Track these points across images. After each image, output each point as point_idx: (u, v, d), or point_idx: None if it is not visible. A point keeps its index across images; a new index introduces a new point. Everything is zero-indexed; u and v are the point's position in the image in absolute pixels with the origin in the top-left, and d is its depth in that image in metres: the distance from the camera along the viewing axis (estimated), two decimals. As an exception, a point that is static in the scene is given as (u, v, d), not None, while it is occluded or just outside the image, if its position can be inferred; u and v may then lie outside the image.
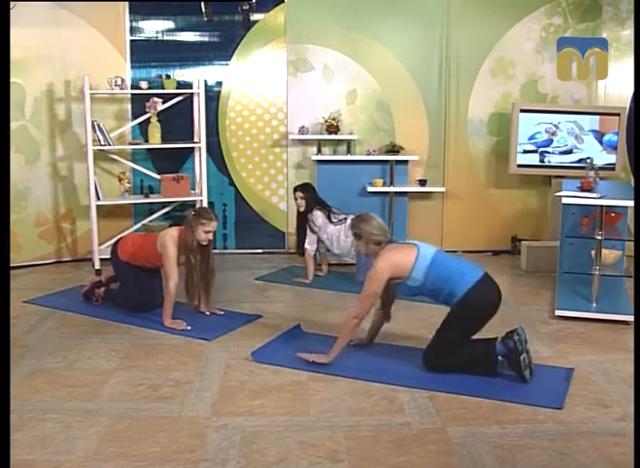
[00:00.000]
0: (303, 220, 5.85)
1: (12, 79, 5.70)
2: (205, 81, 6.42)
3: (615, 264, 5.23)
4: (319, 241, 5.80)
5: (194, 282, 4.63)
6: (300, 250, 5.93)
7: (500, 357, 3.72)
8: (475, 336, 3.84)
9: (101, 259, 6.07)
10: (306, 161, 6.77)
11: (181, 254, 4.61)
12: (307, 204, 5.79)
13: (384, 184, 6.59)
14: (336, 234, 5.71)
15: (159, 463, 2.88)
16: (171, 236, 4.61)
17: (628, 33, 6.52)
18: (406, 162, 6.69)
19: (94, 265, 6.15)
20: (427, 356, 3.83)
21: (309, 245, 5.76)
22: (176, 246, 4.59)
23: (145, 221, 6.60)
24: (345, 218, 5.76)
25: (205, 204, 6.36)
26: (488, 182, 6.92)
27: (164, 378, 3.76)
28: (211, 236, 4.61)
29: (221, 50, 6.62)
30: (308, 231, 5.76)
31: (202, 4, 6.29)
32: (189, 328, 4.52)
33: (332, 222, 5.74)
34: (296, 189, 5.93)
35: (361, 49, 6.64)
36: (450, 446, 3.03)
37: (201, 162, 6.39)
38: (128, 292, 4.92)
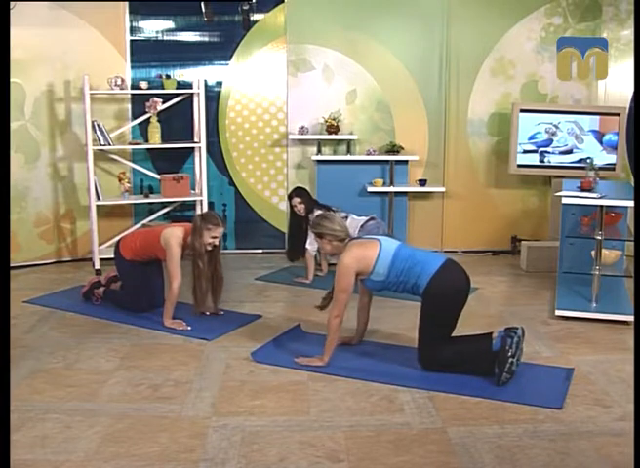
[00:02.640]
0: (299, 223, 5.84)
1: (12, 79, 5.71)
2: (205, 81, 6.42)
3: (615, 264, 5.23)
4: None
5: (203, 287, 4.62)
6: (292, 254, 5.93)
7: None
8: (472, 332, 3.86)
9: (101, 259, 6.08)
10: (306, 161, 6.77)
11: (185, 250, 4.60)
12: (307, 207, 5.79)
13: (384, 184, 6.59)
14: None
15: (159, 463, 2.88)
16: (176, 237, 4.58)
17: (628, 33, 6.52)
18: (406, 162, 6.69)
19: (94, 265, 6.15)
20: (419, 355, 3.83)
21: (310, 245, 5.76)
22: (180, 247, 4.58)
23: (145, 221, 6.60)
24: (347, 216, 5.76)
25: (205, 204, 6.37)
26: (488, 182, 6.92)
27: (164, 378, 3.76)
28: (216, 241, 4.60)
29: (221, 50, 6.62)
30: (310, 231, 5.75)
31: (202, 4, 6.30)
32: (189, 328, 4.52)
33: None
34: (291, 196, 5.91)
35: (361, 49, 6.65)
36: (450, 446, 3.03)
37: (201, 162, 6.40)
38: (129, 293, 4.91)
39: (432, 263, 3.78)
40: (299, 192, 5.90)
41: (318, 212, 5.75)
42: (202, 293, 4.65)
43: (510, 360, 3.58)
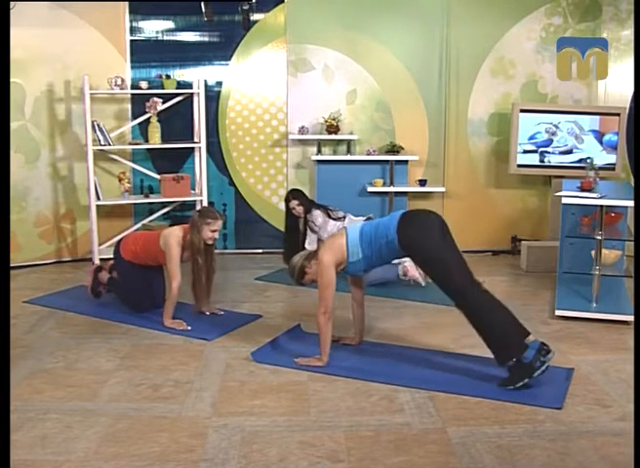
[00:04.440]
0: (296, 225, 5.84)
1: (12, 79, 5.70)
2: (205, 81, 6.43)
3: (615, 264, 5.22)
4: (319, 241, 5.80)
5: (202, 283, 4.63)
6: (288, 256, 5.90)
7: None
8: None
9: (101, 259, 6.06)
10: (306, 161, 6.78)
11: (185, 252, 4.61)
12: (305, 208, 5.79)
13: (384, 184, 6.59)
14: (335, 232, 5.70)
15: (159, 463, 2.88)
16: (175, 236, 4.59)
17: (628, 33, 6.52)
18: (406, 162, 6.69)
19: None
20: (454, 299, 3.72)
21: (309, 245, 5.76)
22: (180, 246, 4.58)
23: (145, 221, 6.60)
24: (345, 216, 5.76)
25: (205, 204, 6.37)
26: (488, 182, 6.92)
27: (164, 378, 3.76)
28: (216, 235, 4.62)
29: (221, 50, 6.62)
30: (308, 231, 5.76)
31: (202, 4, 6.30)
32: (189, 328, 4.52)
33: (332, 219, 5.75)
34: (288, 199, 5.91)
35: (361, 49, 6.65)
36: (450, 446, 3.03)
37: (201, 162, 6.40)
38: (131, 295, 4.90)
39: (393, 217, 3.84)
40: (295, 194, 5.90)
41: (316, 212, 5.76)
42: (202, 290, 4.66)
43: (530, 380, 3.55)
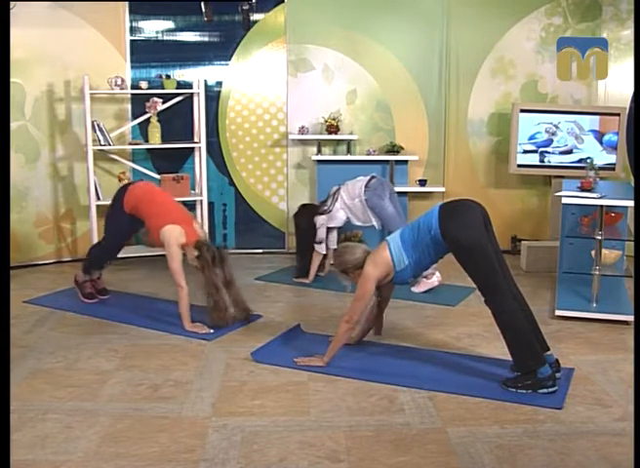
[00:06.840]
0: (305, 238, 5.79)
1: (12, 79, 5.70)
2: (205, 81, 6.43)
3: (615, 264, 5.23)
4: (329, 232, 5.73)
5: (221, 296, 4.47)
6: (301, 272, 5.85)
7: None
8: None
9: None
10: (306, 161, 6.78)
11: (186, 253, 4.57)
12: (307, 227, 5.74)
13: (384, 184, 6.58)
14: (343, 208, 5.66)
15: (159, 463, 2.88)
16: (174, 238, 4.50)
17: (628, 33, 6.52)
18: (406, 162, 6.69)
19: (94, 265, 6.15)
20: (487, 300, 3.66)
21: (317, 243, 5.69)
22: (179, 248, 4.51)
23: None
24: (338, 189, 5.69)
25: (205, 204, 6.37)
26: (488, 182, 6.92)
27: (164, 378, 3.76)
28: (196, 263, 4.49)
29: (221, 50, 6.62)
30: (317, 232, 5.70)
31: (202, 4, 6.29)
32: (212, 331, 4.45)
33: (327, 209, 5.68)
34: (295, 217, 5.95)
35: (361, 49, 6.65)
36: (450, 446, 3.03)
37: (201, 162, 6.40)
38: (107, 245, 5.08)
39: (433, 210, 3.77)
40: (294, 219, 5.89)
41: (316, 218, 5.69)
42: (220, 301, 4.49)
43: (532, 391, 3.53)
